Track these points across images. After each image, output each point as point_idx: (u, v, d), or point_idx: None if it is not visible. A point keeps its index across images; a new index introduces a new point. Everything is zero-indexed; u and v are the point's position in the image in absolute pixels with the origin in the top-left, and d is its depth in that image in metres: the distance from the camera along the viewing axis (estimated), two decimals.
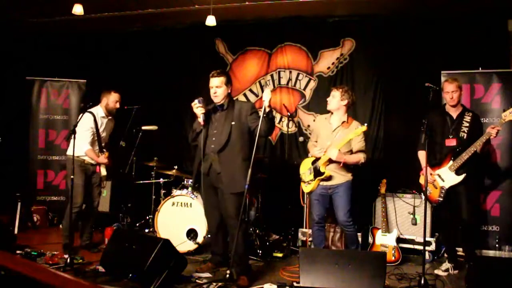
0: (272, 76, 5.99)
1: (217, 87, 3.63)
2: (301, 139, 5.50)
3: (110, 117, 4.54)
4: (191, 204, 4.52)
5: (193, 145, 3.91)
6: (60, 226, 5.70)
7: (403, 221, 4.62)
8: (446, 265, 3.89)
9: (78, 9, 4.85)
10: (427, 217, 3.78)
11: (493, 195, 4.53)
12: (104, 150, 4.45)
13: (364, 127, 3.66)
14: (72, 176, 3.89)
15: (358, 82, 5.56)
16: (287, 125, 5.36)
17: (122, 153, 4.96)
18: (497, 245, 4.41)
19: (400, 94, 5.33)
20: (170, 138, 6.13)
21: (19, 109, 6.06)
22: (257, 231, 4.60)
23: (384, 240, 4.36)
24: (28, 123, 6.01)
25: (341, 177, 3.84)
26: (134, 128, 5.06)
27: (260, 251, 4.33)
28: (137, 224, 5.33)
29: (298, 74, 5.87)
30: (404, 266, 4.14)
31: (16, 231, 4.99)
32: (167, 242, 3.32)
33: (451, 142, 3.79)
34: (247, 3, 5.23)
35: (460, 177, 3.68)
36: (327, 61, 5.75)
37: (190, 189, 4.69)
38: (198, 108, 3.66)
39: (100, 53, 6.49)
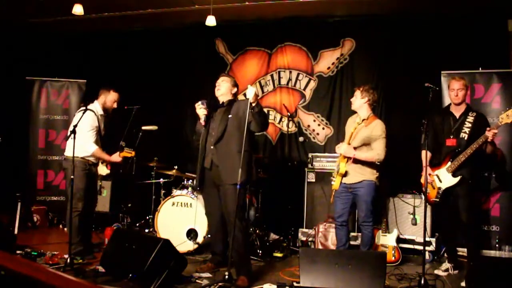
0: (272, 76, 5.99)
1: (222, 81, 3.78)
2: (301, 139, 5.51)
3: (105, 115, 4.38)
4: (191, 204, 4.52)
5: (197, 146, 3.91)
6: (60, 226, 5.74)
7: (403, 221, 4.62)
8: (446, 265, 3.89)
9: (78, 9, 4.85)
10: (427, 217, 3.78)
11: (493, 195, 4.53)
12: (123, 145, 4.37)
13: (357, 119, 3.83)
14: (72, 177, 3.82)
15: (358, 82, 5.53)
16: (287, 125, 5.37)
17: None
18: (497, 245, 4.41)
19: (400, 94, 5.32)
20: (170, 138, 6.14)
21: (19, 109, 6.06)
22: (257, 231, 4.60)
23: (384, 240, 4.36)
24: (28, 123, 6.01)
25: (358, 175, 3.82)
26: (134, 128, 5.06)
27: (260, 251, 4.33)
28: (137, 224, 5.33)
29: (298, 74, 5.87)
30: (404, 266, 4.14)
31: (16, 231, 4.98)
32: (167, 242, 3.32)
33: (451, 142, 3.78)
34: (247, 3, 5.23)
35: (456, 179, 3.68)
36: (327, 61, 5.75)
37: (190, 189, 4.69)
38: (201, 109, 3.73)
39: (100, 53, 6.49)
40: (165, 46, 6.34)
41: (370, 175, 3.82)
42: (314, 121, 5.78)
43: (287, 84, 5.91)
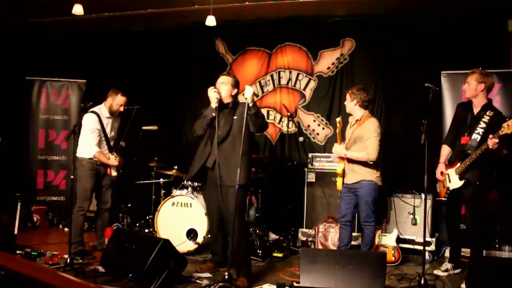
0: (272, 76, 5.99)
1: (222, 83, 3.65)
2: (301, 139, 5.51)
3: (114, 117, 4.41)
4: (191, 204, 4.52)
5: (198, 136, 3.77)
6: (60, 226, 5.74)
7: (403, 221, 4.61)
8: (446, 265, 3.88)
9: (78, 9, 4.85)
10: (427, 217, 3.77)
11: (491, 196, 4.52)
12: (114, 151, 4.31)
13: (337, 118, 3.84)
14: (72, 176, 3.84)
15: (358, 82, 5.53)
16: (287, 125, 5.37)
17: (122, 153, 4.96)
18: (497, 245, 4.40)
19: (400, 94, 5.32)
20: (170, 138, 6.14)
21: (19, 109, 6.06)
22: (257, 231, 4.60)
23: (384, 240, 4.36)
24: (28, 123, 6.01)
25: (356, 175, 3.84)
26: (134, 128, 5.06)
27: (260, 251, 4.33)
28: (137, 224, 5.32)
29: (298, 74, 5.87)
30: (404, 266, 4.14)
31: (16, 231, 4.98)
32: (167, 242, 3.32)
33: (465, 140, 3.67)
34: (247, 3, 5.23)
35: (461, 183, 3.65)
36: (327, 61, 5.75)
37: (190, 189, 4.69)
38: (214, 92, 3.55)
39: (100, 53, 6.49)
40: (165, 46, 6.34)
41: (369, 175, 3.82)
42: (314, 121, 5.78)
43: (287, 84, 5.91)
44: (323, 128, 5.74)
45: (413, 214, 4.54)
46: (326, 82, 5.74)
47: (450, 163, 3.83)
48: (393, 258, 4.25)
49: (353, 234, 4.50)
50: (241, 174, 3.33)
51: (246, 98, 3.35)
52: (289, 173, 5.34)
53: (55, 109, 6.09)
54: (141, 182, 5.25)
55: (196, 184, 4.83)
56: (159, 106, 6.08)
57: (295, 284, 3.39)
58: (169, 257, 3.28)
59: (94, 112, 4.19)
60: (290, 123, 5.47)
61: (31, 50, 6.55)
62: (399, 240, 4.41)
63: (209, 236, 4.31)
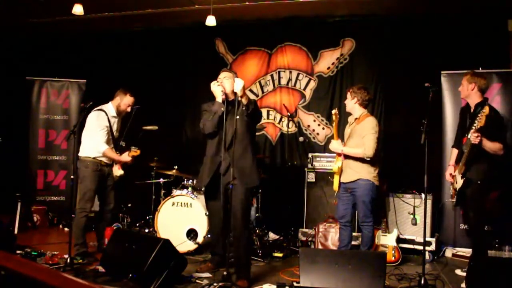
0: (272, 76, 5.99)
1: (224, 77, 3.54)
2: (301, 139, 5.51)
3: (118, 117, 4.36)
4: (191, 204, 4.52)
5: (207, 134, 3.58)
6: (60, 226, 5.74)
7: (403, 221, 4.62)
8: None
9: (78, 9, 4.85)
10: (427, 217, 3.77)
11: (493, 195, 4.52)
12: (118, 151, 4.24)
13: (333, 110, 3.86)
14: (72, 177, 3.84)
15: (358, 82, 5.52)
16: (287, 125, 5.37)
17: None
18: (497, 245, 4.40)
19: (400, 94, 5.33)
20: (170, 138, 6.14)
21: (19, 109, 6.06)
22: (257, 231, 4.60)
23: (384, 240, 4.36)
24: (28, 123, 6.01)
25: (353, 174, 3.84)
26: (134, 128, 5.05)
27: (260, 251, 4.33)
28: (137, 224, 5.33)
29: (298, 74, 5.87)
30: (404, 266, 4.14)
31: (16, 231, 4.99)
32: (167, 242, 3.32)
33: (464, 141, 3.66)
34: (247, 3, 5.23)
35: (462, 181, 3.65)
36: (327, 61, 5.75)
37: (190, 189, 4.69)
38: (218, 86, 3.44)
39: (100, 53, 6.49)
40: (165, 46, 6.34)
41: (366, 173, 3.82)
42: (314, 121, 5.78)
43: (287, 84, 5.91)
44: (323, 128, 5.74)
45: (413, 214, 4.54)
46: (326, 82, 5.74)
47: (456, 165, 3.84)
48: (393, 258, 4.25)
49: (353, 234, 4.51)
50: (253, 175, 3.34)
51: (235, 92, 3.30)
52: (289, 173, 5.35)
53: (55, 109, 6.09)
54: (141, 182, 5.25)
55: (196, 184, 4.84)
56: (159, 106, 6.08)
57: (295, 284, 3.39)
58: (169, 257, 3.28)
59: (101, 109, 4.13)
60: (290, 123, 5.47)
61: (31, 50, 6.56)
62: (399, 240, 4.41)
63: (209, 236, 4.31)
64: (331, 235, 4.55)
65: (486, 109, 3.29)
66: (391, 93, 5.41)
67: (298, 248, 4.46)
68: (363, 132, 3.81)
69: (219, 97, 3.44)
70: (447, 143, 4.70)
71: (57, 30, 6.38)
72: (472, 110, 3.70)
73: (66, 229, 5.48)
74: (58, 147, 6.04)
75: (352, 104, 3.97)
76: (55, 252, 3.98)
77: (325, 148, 5.62)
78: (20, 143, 5.96)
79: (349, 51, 5.67)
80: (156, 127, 5.13)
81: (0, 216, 4.83)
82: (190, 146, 6.23)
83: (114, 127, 4.26)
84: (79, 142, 4.13)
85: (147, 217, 5.18)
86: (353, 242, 4.26)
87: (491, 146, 3.41)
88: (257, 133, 5.47)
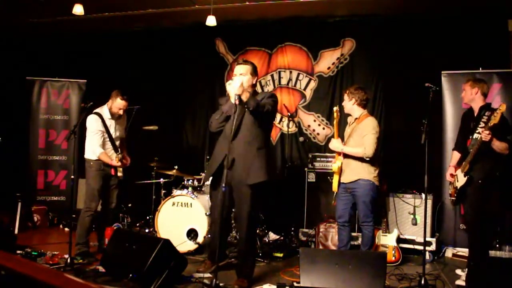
0: (272, 76, 5.99)
1: (241, 74, 3.41)
2: (301, 139, 5.51)
3: (117, 118, 4.34)
4: (191, 204, 4.52)
5: (213, 131, 3.57)
6: (60, 226, 5.74)
7: (403, 221, 4.62)
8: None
9: (78, 9, 4.85)
10: (427, 217, 3.76)
11: (494, 195, 4.51)
12: (119, 150, 4.25)
13: (335, 108, 3.89)
14: (72, 176, 3.87)
15: (358, 82, 5.53)
16: (287, 125, 5.37)
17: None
18: (497, 245, 4.40)
19: (400, 94, 5.33)
20: (170, 138, 6.14)
21: (19, 109, 6.07)
22: (258, 231, 4.60)
23: (385, 240, 4.36)
24: (28, 123, 6.01)
25: (353, 174, 3.84)
26: (134, 128, 5.06)
27: (260, 251, 4.33)
28: (137, 224, 5.33)
29: (299, 74, 5.87)
30: (404, 266, 4.14)
31: (16, 231, 4.99)
32: (167, 242, 3.32)
33: (469, 143, 3.68)
34: (247, 3, 5.23)
35: (465, 179, 3.64)
36: (328, 61, 5.75)
37: (190, 189, 4.69)
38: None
39: (100, 53, 6.49)
40: (165, 46, 6.34)
41: (366, 174, 3.81)
42: (315, 121, 5.78)
43: (287, 84, 5.91)
44: (324, 128, 5.74)
45: (413, 214, 4.54)
46: (326, 82, 5.74)
47: (459, 166, 3.84)
48: (393, 258, 4.25)
49: (353, 234, 4.51)
50: (259, 171, 3.27)
51: (236, 97, 3.16)
52: (289, 173, 5.34)
53: (56, 109, 6.09)
54: (141, 182, 5.25)
55: (197, 184, 4.85)
56: (159, 106, 6.09)
57: (295, 284, 3.39)
58: (169, 257, 3.28)
59: (96, 113, 4.18)
60: (291, 123, 5.47)
61: (31, 50, 6.56)
62: (399, 240, 4.41)
63: (209, 236, 4.30)
64: (331, 235, 4.55)
65: (503, 107, 3.31)
66: (391, 93, 5.41)
67: (298, 248, 4.46)
68: (363, 132, 3.81)
69: (232, 98, 3.32)
70: (447, 143, 4.71)
71: (57, 30, 6.39)
72: (476, 114, 3.72)
73: (66, 229, 5.48)
74: (58, 147, 6.04)
75: (351, 105, 3.96)
76: (55, 252, 3.98)
77: (325, 148, 5.61)
78: (20, 143, 5.96)
79: (349, 51, 5.67)
80: (156, 127, 5.14)
81: (0, 216, 4.84)
82: (190, 146, 6.24)
83: (112, 129, 4.26)
84: (79, 142, 4.19)
85: (147, 217, 5.18)
86: (353, 242, 4.26)
87: (499, 145, 3.42)
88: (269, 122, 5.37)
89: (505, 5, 4.73)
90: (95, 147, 4.13)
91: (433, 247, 4.42)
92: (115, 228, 4.64)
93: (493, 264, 3.23)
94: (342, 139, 4.03)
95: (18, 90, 6.12)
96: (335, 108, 3.90)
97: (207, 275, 3.63)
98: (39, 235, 5.26)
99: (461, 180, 3.69)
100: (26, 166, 5.96)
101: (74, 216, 4.80)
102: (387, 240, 4.35)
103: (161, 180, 5.15)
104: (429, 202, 4.46)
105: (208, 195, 4.45)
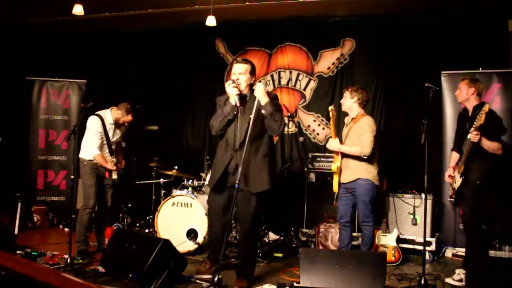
0: (272, 76, 5.99)
1: (240, 73, 3.36)
2: (301, 139, 5.51)
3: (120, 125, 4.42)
4: (191, 204, 4.52)
5: (215, 135, 3.55)
6: (60, 226, 5.74)
7: (403, 221, 4.62)
8: (459, 275, 3.62)
9: (78, 9, 4.85)
10: (427, 217, 3.76)
11: (492, 196, 4.51)
12: (115, 155, 4.29)
13: (330, 107, 3.92)
14: (72, 177, 3.90)
15: (358, 82, 5.54)
16: (287, 125, 5.36)
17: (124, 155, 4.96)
18: (497, 245, 4.40)
19: (400, 94, 5.33)
20: (170, 138, 6.14)
21: (19, 109, 6.06)
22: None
23: (384, 240, 4.36)
24: (28, 123, 6.01)
25: (352, 173, 3.84)
26: (134, 128, 5.06)
27: (260, 251, 4.32)
28: (137, 224, 5.33)
29: (298, 74, 5.87)
30: (404, 266, 4.14)
31: (16, 231, 4.99)
32: (167, 242, 3.32)
33: (465, 143, 3.66)
34: (247, 3, 5.23)
35: (460, 180, 3.65)
36: (327, 61, 5.75)
37: (190, 189, 4.69)
38: (234, 88, 3.26)
39: (100, 53, 6.49)
40: (165, 46, 6.34)
41: (365, 173, 3.81)
42: (314, 121, 5.79)
43: (287, 84, 5.91)
44: (323, 128, 5.74)
45: (413, 214, 4.54)
46: (326, 82, 5.74)
47: (457, 166, 3.84)
48: (393, 258, 4.25)
49: (353, 234, 4.51)
50: (263, 179, 3.27)
51: (258, 100, 3.17)
52: (289, 173, 5.34)
53: (56, 109, 6.09)
54: (141, 182, 5.25)
55: (197, 184, 4.85)
56: (159, 106, 6.08)
57: (295, 284, 3.39)
58: (169, 257, 3.28)
59: (98, 115, 4.23)
60: (291, 123, 5.47)
61: (31, 50, 6.55)
62: (399, 240, 4.41)
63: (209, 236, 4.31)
64: (331, 236, 4.55)
65: (486, 107, 3.30)
66: (391, 93, 5.41)
67: (298, 248, 4.46)
68: (360, 131, 3.82)
69: (233, 99, 3.29)
70: (447, 143, 4.71)
71: (57, 30, 6.39)
72: (470, 114, 3.71)
73: (66, 229, 5.48)
74: (58, 147, 6.04)
75: (351, 103, 3.94)
76: (55, 252, 3.98)
77: (325, 148, 5.60)
78: (20, 143, 5.96)
79: (349, 51, 5.67)
80: (156, 127, 5.14)
81: (0, 216, 4.83)
82: (190, 146, 6.24)
83: (111, 133, 4.31)
84: (79, 142, 4.24)
85: (147, 217, 5.19)
86: (353, 242, 4.26)
87: (489, 145, 3.42)
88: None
89: (505, 5, 4.73)
90: (92, 148, 4.17)
91: (433, 247, 4.42)
92: (115, 228, 4.65)
93: (492, 264, 3.23)
94: (341, 140, 4.02)
95: (18, 90, 6.11)
96: (330, 107, 3.91)
97: (207, 276, 3.63)
98: (39, 235, 5.26)
99: (458, 181, 3.70)
100: (26, 166, 5.96)
101: (74, 216, 4.80)
102: (387, 240, 4.35)
103: (161, 180, 5.15)
104: (429, 202, 4.45)
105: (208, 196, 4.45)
